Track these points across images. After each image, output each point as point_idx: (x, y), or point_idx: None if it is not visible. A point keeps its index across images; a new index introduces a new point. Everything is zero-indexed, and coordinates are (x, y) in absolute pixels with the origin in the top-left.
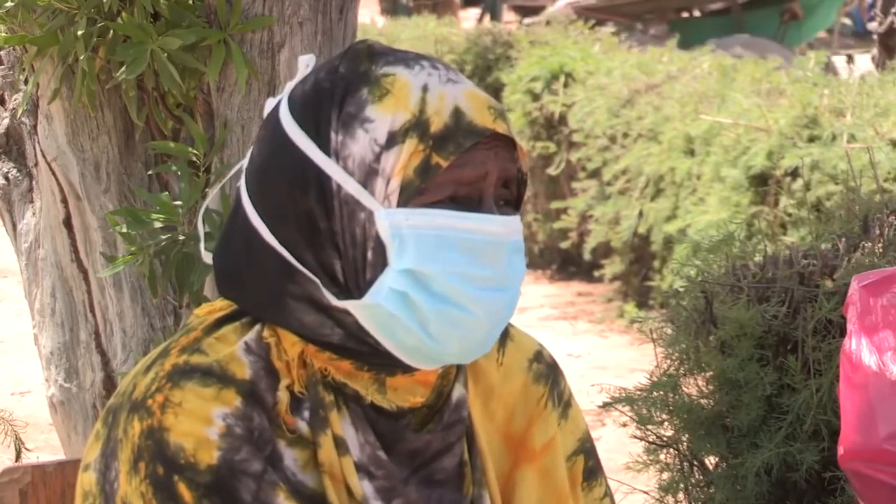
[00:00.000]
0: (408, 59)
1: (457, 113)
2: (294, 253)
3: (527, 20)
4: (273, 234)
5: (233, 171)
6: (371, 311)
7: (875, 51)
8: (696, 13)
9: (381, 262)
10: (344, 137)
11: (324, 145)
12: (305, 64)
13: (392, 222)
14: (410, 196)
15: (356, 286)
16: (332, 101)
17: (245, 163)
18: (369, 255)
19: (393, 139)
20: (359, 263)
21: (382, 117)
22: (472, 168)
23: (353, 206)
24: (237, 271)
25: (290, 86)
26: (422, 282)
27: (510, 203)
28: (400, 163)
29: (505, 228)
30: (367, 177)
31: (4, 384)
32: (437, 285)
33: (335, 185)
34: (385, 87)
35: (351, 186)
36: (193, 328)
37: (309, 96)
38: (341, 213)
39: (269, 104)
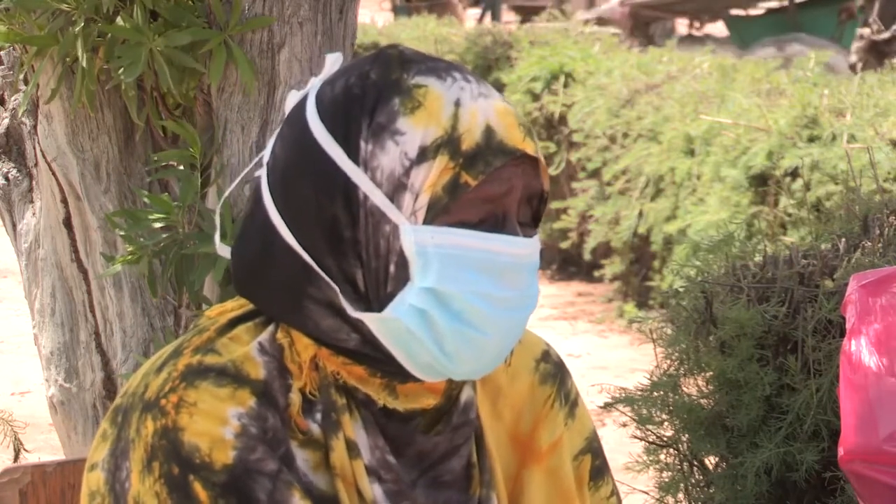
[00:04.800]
0: (439, 69)
1: (488, 131)
2: (315, 257)
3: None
4: (294, 236)
5: (250, 166)
6: (388, 324)
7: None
8: (752, 11)
9: (403, 277)
10: (373, 147)
11: (352, 153)
12: (332, 62)
13: (418, 239)
14: (437, 213)
15: (376, 297)
16: (362, 108)
17: (266, 157)
18: (392, 268)
19: (424, 155)
20: (381, 275)
21: (413, 130)
22: (498, 185)
23: (378, 217)
24: (254, 270)
25: (315, 82)
26: (442, 300)
27: (529, 219)
28: (430, 179)
29: (528, 250)
30: (395, 190)
31: (4, 384)
32: (458, 304)
33: (362, 194)
34: (417, 100)
35: (378, 198)
36: (206, 329)
37: (339, 101)
38: (366, 223)
39: (292, 98)
